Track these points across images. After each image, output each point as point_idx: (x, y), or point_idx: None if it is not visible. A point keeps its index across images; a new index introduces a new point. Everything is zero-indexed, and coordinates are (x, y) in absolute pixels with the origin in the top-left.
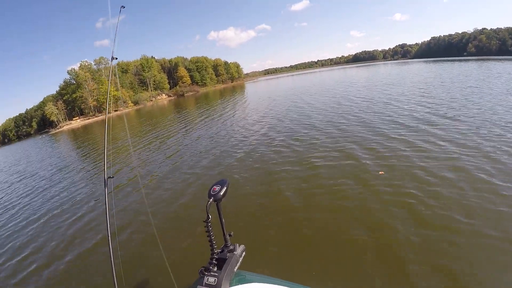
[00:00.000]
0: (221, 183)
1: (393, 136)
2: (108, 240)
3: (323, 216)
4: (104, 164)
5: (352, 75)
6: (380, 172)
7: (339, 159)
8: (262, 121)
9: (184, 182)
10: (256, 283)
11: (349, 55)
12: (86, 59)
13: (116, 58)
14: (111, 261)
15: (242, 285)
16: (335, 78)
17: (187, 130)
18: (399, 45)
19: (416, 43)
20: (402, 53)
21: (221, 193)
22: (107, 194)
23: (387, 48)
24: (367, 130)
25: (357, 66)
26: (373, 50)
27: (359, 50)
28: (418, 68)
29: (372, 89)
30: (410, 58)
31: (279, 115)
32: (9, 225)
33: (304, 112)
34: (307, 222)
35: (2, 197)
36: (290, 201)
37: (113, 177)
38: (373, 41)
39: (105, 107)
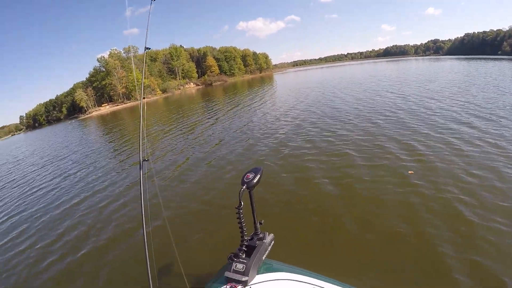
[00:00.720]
0: (255, 171)
1: (430, 134)
2: (142, 221)
3: (355, 209)
4: (139, 146)
5: (383, 70)
6: (409, 172)
7: (373, 154)
8: (293, 112)
9: (218, 169)
10: (283, 273)
11: (379, 49)
12: (115, 47)
13: (149, 48)
14: (144, 246)
15: (269, 273)
16: (366, 72)
17: (217, 118)
18: (431, 40)
19: (449, 39)
20: (434, 49)
21: (254, 181)
22: (142, 176)
23: (419, 43)
24: (403, 127)
25: (388, 61)
26: (404, 45)
27: (390, 44)
28: (452, 65)
29: (407, 85)
30: (442, 55)
31: (311, 107)
32: (41, 206)
33: (336, 105)
34: (338, 214)
35: (35, 178)
36: (322, 193)
37: (148, 159)
38: (405, 36)
39: (133, 94)
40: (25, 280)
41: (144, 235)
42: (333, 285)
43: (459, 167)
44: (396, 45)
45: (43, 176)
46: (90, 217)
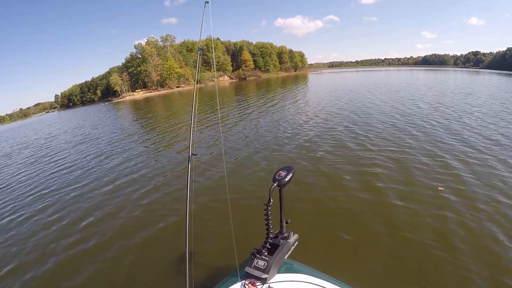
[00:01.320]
0: (288, 169)
1: (468, 151)
2: (186, 212)
3: (384, 219)
4: (190, 140)
5: (423, 79)
6: (440, 188)
7: (407, 165)
8: (327, 115)
9: (254, 164)
10: (303, 275)
11: (418, 56)
12: (152, 35)
13: (202, 49)
14: (186, 238)
15: (289, 273)
16: (403, 79)
17: (249, 113)
18: (472, 52)
19: (491, 52)
20: (474, 61)
21: (286, 179)
22: (190, 169)
23: (458, 54)
24: (438, 140)
25: (426, 70)
26: (444, 54)
27: (429, 53)
28: (491, 81)
29: (446, 96)
30: (482, 68)
31: (345, 111)
32: (75, 186)
33: (371, 111)
34: (367, 223)
35: (65, 157)
36: (353, 199)
37: (196, 154)
38: (445, 45)
39: (168, 82)
40: (50, 254)
41: (186, 225)
42: None
43: (496, 187)
44: (435, 54)
45: (74, 155)
46: (119, 200)
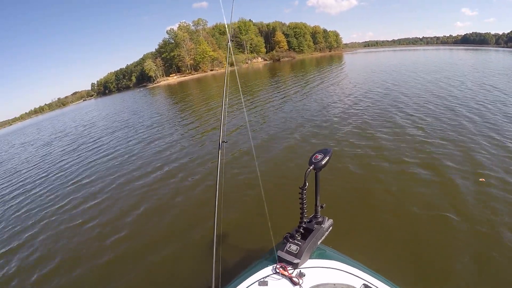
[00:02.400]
0: (325, 152)
1: None
2: (215, 200)
3: (422, 211)
4: (220, 128)
5: (466, 59)
6: (480, 179)
7: (455, 156)
8: (369, 97)
9: (289, 148)
10: (335, 261)
11: (457, 35)
12: (184, 20)
13: (232, 40)
14: (214, 226)
15: (321, 259)
16: (447, 59)
17: (285, 96)
18: None
19: None
20: None
21: (323, 162)
22: (220, 157)
23: (501, 33)
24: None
25: (465, 49)
26: (485, 33)
27: (469, 31)
28: None
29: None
30: None
31: (386, 95)
32: (120, 174)
33: (421, 93)
34: (403, 214)
35: (105, 144)
36: (391, 189)
37: (226, 141)
38: (486, 23)
39: (201, 66)
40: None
41: (215, 214)
42: (384, 284)
43: None
44: (476, 32)
45: (114, 142)
46: (165, 189)
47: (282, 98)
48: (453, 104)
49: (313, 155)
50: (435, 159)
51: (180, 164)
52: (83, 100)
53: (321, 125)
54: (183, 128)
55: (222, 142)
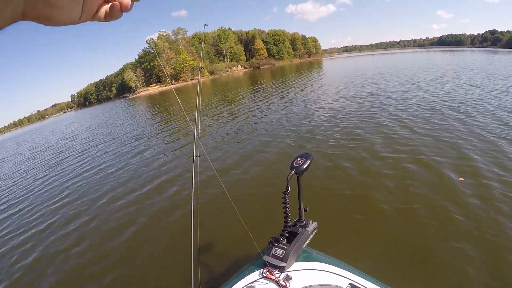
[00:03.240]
0: (305, 156)
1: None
2: (191, 211)
3: (403, 210)
4: (194, 143)
5: (443, 60)
6: (460, 179)
7: (432, 152)
8: (346, 103)
9: (263, 155)
10: (321, 263)
11: (434, 37)
12: (164, 30)
13: (203, 68)
14: (191, 238)
15: (307, 262)
16: (426, 61)
17: (264, 104)
18: (489, 31)
19: (509, 31)
20: (492, 40)
21: (304, 166)
22: (194, 171)
23: (475, 33)
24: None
25: (442, 51)
26: (460, 34)
27: (445, 33)
28: None
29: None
30: (500, 47)
31: (362, 97)
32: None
33: (390, 97)
34: (386, 214)
35: (84, 159)
36: (372, 189)
37: (199, 156)
38: (461, 24)
39: (181, 75)
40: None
41: (191, 224)
42: (370, 282)
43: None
44: (451, 34)
45: (91, 157)
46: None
47: (260, 107)
48: (433, 104)
49: (294, 159)
50: (418, 160)
51: (158, 178)
52: (63, 112)
53: (303, 129)
54: (164, 139)
55: (196, 156)
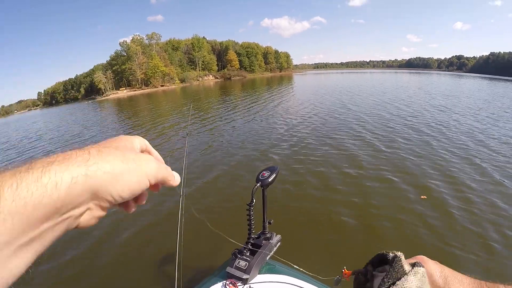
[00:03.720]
0: (271, 170)
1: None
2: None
3: (364, 223)
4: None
5: (412, 81)
6: (422, 197)
7: (392, 168)
8: (312, 118)
9: (230, 168)
10: (284, 276)
11: (402, 59)
12: (138, 33)
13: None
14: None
15: (270, 274)
16: (393, 82)
17: (233, 115)
18: (455, 56)
19: (474, 57)
20: (457, 65)
21: (269, 180)
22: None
23: (442, 58)
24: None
25: (410, 73)
26: (428, 58)
27: (413, 56)
28: (478, 84)
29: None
30: (465, 72)
31: (329, 113)
32: None
33: (356, 114)
34: (349, 226)
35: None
36: (341, 204)
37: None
38: (430, 48)
39: (152, 81)
40: None
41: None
42: None
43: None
44: (419, 57)
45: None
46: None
47: (228, 119)
48: (399, 124)
49: (260, 172)
50: (382, 177)
51: None
52: (28, 110)
53: (270, 143)
54: None
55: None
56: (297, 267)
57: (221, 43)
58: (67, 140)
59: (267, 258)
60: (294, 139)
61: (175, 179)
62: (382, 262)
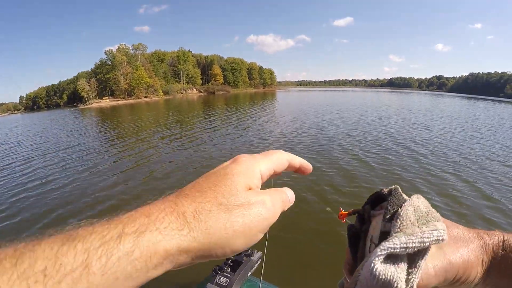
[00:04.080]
0: None
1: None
2: None
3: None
4: None
5: (392, 101)
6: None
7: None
8: (292, 133)
9: None
10: None
11: (384, 79)
12: (124, 43)
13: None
14: None
15: None
16: (376, 101)
17: (215, 132)
18: (436, 76)
19: (454, 77)
20: (438, 84)
21: None
22: None
23: (423, 78)
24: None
25: (391, 92)
26: (409, 78)
27: (395, 75)
28: (457, 104)
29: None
30: (445, 91)
31: (307, 130)
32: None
33: (329, 131)
34: (323, 242)
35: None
36: (322, 223)
37: None
38: (411, 68)
39: (136, 92)
40: None
41: None
42: None
43: None
44: (401, 77)
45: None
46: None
47: (210, 136)
48: (379, 141)
49: None
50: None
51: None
52: (9, 114)
53: None
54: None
55: None
56: (277, 286)
57: (206, 57)
58: (47, 148)
59: (248, 274)
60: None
61: (290, 200)
62: (379, 201)
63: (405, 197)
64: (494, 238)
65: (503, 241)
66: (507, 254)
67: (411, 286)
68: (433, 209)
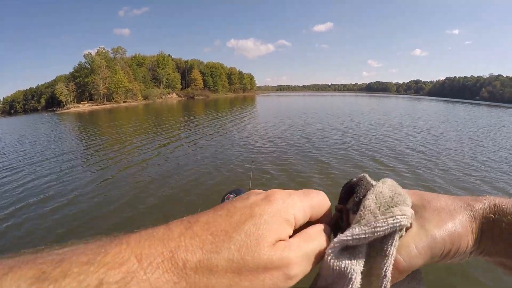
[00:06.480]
0: (237, 192)
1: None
2: None
3: None
4: None
5: (370, 105)
6: None
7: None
8: (274, 139)
9: (185, 192)
10: None
11: (363, 83)
12: (103, 46)
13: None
14: None
15: None
16: (353, 105)
17: (194, 137)
18: (413, 80)
19: (431, 81)
20: (415, 89)
21: None
22: None
23: (401, 82)
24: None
25: (369, 96)
26: (387, 82)
27: (374, 80)
28: (434, 107)
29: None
30: (422, 95)
31: (283, 133)
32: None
33: (308, 135)
34: None
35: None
36: None
37: None
38: (389, 73)
39: (115, 96)
40: None
41: None
42: None
43: None
44: (379, 81)
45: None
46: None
47: (191, 142)
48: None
49: (226, 195)
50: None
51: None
52: None
53: (236, 165)
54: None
55: None
56: None
57: (186, 62)
58: (25, 156)
59: None
60: (261, 158)
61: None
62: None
63: (373, 183)
64: (484, 202)
65: (495, 205)
66: (500, 218)
67: (384, 274)
68: (401, 191)
